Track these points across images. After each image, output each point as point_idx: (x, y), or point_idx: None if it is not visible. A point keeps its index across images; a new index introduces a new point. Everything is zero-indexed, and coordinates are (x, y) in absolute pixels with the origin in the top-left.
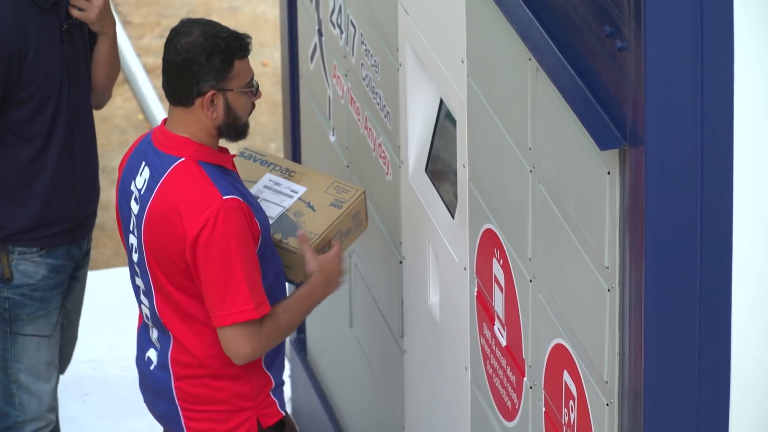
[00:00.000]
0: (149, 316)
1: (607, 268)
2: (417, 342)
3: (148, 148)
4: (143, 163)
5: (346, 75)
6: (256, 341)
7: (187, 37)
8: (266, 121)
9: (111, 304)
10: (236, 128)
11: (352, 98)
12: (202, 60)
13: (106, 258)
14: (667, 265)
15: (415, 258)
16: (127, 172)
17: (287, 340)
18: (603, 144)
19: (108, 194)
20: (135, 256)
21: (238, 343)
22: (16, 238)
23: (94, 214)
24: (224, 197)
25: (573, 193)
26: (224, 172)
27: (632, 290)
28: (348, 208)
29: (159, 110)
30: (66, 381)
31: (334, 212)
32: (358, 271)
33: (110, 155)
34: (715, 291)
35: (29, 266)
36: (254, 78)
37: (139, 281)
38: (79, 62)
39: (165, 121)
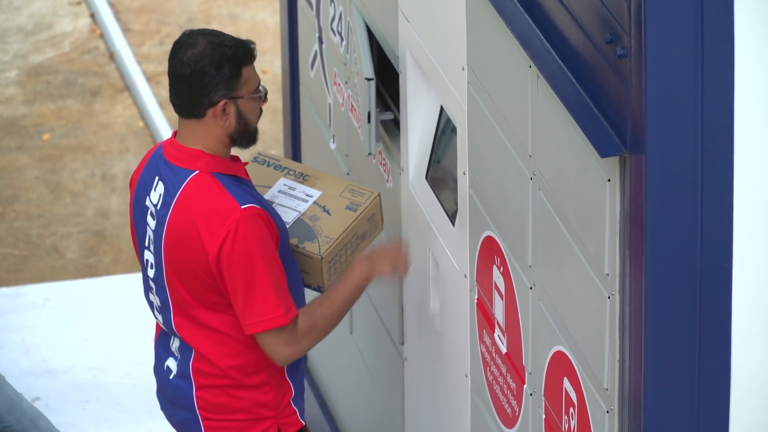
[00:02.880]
0: (167, 329)
1: (607, 275)
2: (417, 349)
3: (161, 162)
4: (156, 178)
5: (346, 82)
6: (294, 342)
7: (192, 48)
8: (266, 128)
9: (110, 312)
10: (248, 135)
11: (352, 106)
12: (211, 70)
13: (105, 265)
14: (667, 272)
15: (415, 265)
16: (141, 187)
17: None
18: (603, 151)
19: (108, 202)
20: (151, 272)
21: (275, 348)
22: None
23: None
24: (242, 206)
25: (573, 201)
26: (239, 182)
27: (632, 297)
28: (363, 211)
29: (159, 118)
30: (66, 388)
31: (349, 216)
32: None
33: (110, 162)
34: (715, 298)
35: None
36: (261, 83)
37: (153, 297)
38: None
39: (175, 133)
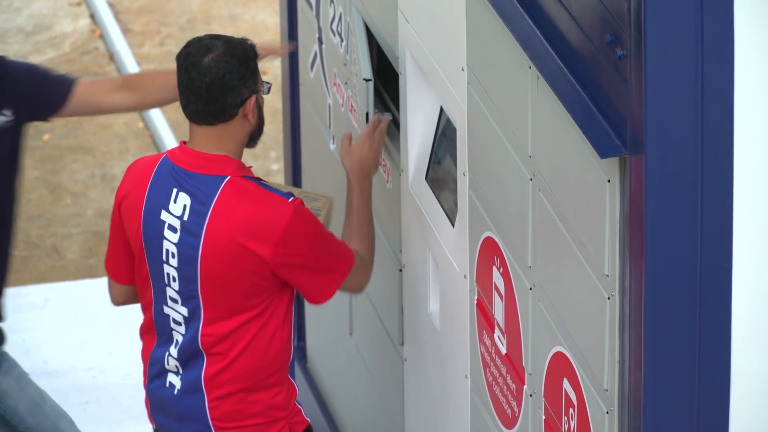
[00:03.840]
0: (180, 342)
1: (607, 276)
2: (417, 350)
3: (176, 173)
4: (175, 190)
5: (346, 83)
6: (365, 265)
7: (210, 52)
8: (266, 129)
9: (111, 312)
10: (261, 131)
11: (352, 106)
12: (242, 68)
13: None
14: (667, 273)
15: (415, 266)
16: (153, 201)
17: None
18: (603, 152)
19: (108, 203)
20: (175, 285)
21: (359, 280)
22: None
23: None
24: (289, 200)
25: (573, 201)
26: (263, 182)
27: (632, 298)
28: (325, 215)
29: (159, 118)
30: (66, 389)
31: None
32: None
33: (110, 163)
34: (715, 299)
35: None
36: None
37: (170, 310)
38: None
39: (183, 143)
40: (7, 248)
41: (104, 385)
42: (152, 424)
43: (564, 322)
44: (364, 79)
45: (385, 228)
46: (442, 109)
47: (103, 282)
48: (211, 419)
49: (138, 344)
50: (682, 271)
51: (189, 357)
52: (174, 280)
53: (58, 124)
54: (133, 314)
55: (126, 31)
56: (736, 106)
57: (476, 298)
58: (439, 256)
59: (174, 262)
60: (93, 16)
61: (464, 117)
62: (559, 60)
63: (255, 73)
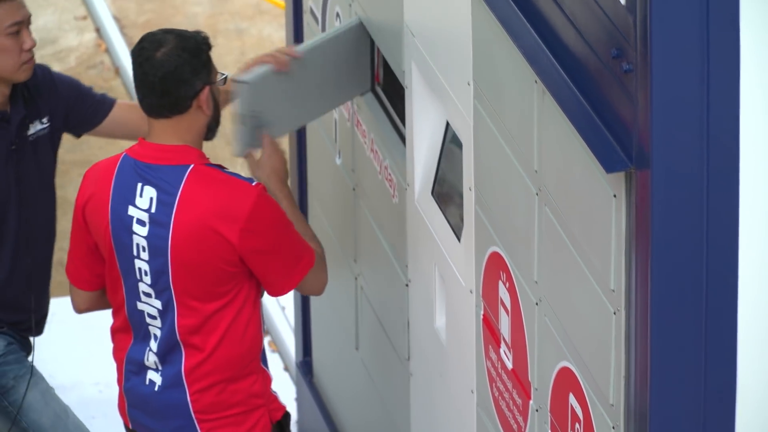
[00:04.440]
0: (158, 336)
1: (613, 290)
2: (423, 365)
3: (138, 168)
4: (139, 184)
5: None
6: (322, 263)
7: (162, 47)
8: None
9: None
10: (218, 123)
11: (358, 121)
12: (193, 61)
13: None
14: (673, 287)
15: (421, 281)
16: (118, 198)
17: (294, 362)
18: (609, 167)
19: None
20: (147, 279)
21: (318, 278)
22: None
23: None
24: (253, 184)
25: (579, 216)
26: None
27: (638, 313)
28: None
29: None
30: (72, 403)
31: None
32: (365, 294)
33: None
34: (721, 314)
35: None
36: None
37: (146, 305)
38: (33, 179)
39: (141, 140)
40: (50, 259)
41: (110, 399)
42: (127, 423)
43: (570, 336)
44: (237, 81)
45: (392, 243)
46: (448, 124)
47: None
48: (194, 412)
49: None
50: (688, 285)
51: (168, 351)
52: (146, 274)
53: (63, 137)
54: None
55: (131, 45)
56: (742, 121)
57: (482, 312)
58: (445, 271)
59: (145, 255)
60: (98, 30)
61: (470, 131)
62: (565, 74)
63: (207, 65)
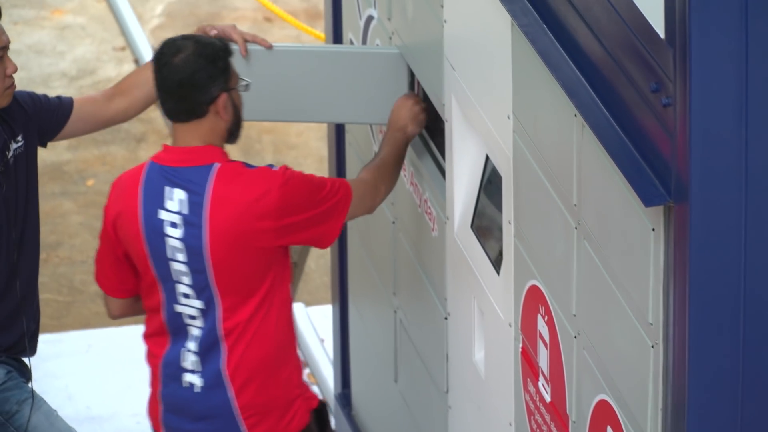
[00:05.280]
0: (199, 337)
1: (651, 324)
2: (462, 397)
3: (165, 173)
4: (167, 188)
5: None
6: (368, 188)
7: (181, 53)
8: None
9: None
10: (239, 127)
11: None
12: (210, 67)
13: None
14: (711, 322)
15: (460, 314)
16: (149, 207)
17: (332, 394)
18: (648, 200)
19: None
20: (186, 280)
21: (364, 203)
22: None
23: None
24: (274, 168)
25: (618, 250)
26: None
27: (676, 347)
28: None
29: None
30: None
31: None
32: (404, 326)
33: None
34: (759, 348)
35: None
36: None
37: (182, 308)
38: (20, 199)
39: (165, 146)
40: (35, 276)
41: (148, 430)
42: (158, 429)
43: (608, 369)
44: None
45: (431, 276)
46: (487, 157)
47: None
48: (237, 409)
49: None
50: (725, 319)
51: (207, 350)
52: (184, 275)
53: (102, 169)
54: None
55: None
56: None
57: (521, 345)
58: (484, 304)
59: (181, 257)
60: (137, 61)
61: (510, 165)
62: (604, 108)
63: (225, 72)
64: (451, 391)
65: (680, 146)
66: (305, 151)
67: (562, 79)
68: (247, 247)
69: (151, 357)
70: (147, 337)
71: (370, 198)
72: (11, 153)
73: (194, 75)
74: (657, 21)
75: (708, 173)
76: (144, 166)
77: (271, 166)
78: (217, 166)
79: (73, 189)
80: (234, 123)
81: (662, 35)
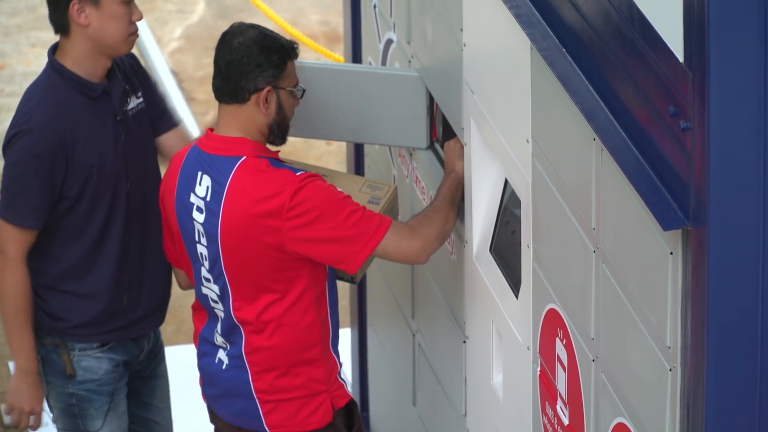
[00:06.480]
0: (221, 318)
1: (669, 347)
2: (480, 421)
3: (200, 157)
4: (199, 173)
5: (411, 154)
6: (415, 232)
7: (242, 36)
8: None
9: (174, 381)
10: (284, 128)
11: (417, 177)
12: (260, 56)
13: (168, 335)
14: (729, 345)
15: (478, 337)
16: (183, 186)
17: None
18: (666, 224)
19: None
20: (206, 263)
21: (407, 244)
22: (75, 333)
23: (159, 309)
24: (297, 173)
25: (636, 273)
26: (283, 162)
27: (694, 370)
28: (385, 204)
29: None
30: None
31: (374, 209)
32: (422, 350)
33: None
34: None
35: (91, 362)
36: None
37: (206, 290)
38: (138, 152)
39: (209, 130)
40: (161, 236)
41: None
42: (204, 398)
43: (626, 393)
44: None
45: (449, 299)
46: (506, 181)
47: (166, 351)
48: (256, 392)
49: (203, 413)
50: (743, 343)
51: (229, 332)
52: (206, 259)
53: None
54: (198, 383)
55: (190, 99)
56: None
57: (539, 369)
58: (502, 327)
59: (204, 241)
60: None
61: (529, 189)
62: (623, 132)
63: (278, 67)
64: (469, 415)
65: (698, 170)
66: None
67: (581, 103)
68: (253, 242)
69: (195, 330)
70: (193, 309)
71: (406, 238)
72: (132, 107)
73: (243, 59)
74: (676, 45)
75: (726, 197)
76: (188, 148)
77: (297, 170)
78: (242, 159)
79: None
80: (277, 122)
81: (681, 59)
